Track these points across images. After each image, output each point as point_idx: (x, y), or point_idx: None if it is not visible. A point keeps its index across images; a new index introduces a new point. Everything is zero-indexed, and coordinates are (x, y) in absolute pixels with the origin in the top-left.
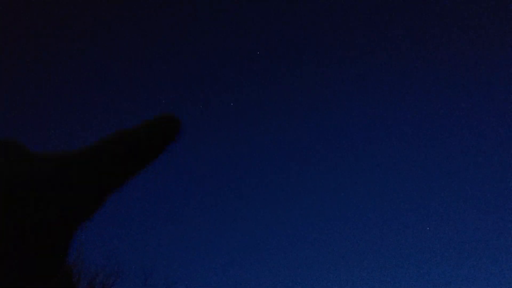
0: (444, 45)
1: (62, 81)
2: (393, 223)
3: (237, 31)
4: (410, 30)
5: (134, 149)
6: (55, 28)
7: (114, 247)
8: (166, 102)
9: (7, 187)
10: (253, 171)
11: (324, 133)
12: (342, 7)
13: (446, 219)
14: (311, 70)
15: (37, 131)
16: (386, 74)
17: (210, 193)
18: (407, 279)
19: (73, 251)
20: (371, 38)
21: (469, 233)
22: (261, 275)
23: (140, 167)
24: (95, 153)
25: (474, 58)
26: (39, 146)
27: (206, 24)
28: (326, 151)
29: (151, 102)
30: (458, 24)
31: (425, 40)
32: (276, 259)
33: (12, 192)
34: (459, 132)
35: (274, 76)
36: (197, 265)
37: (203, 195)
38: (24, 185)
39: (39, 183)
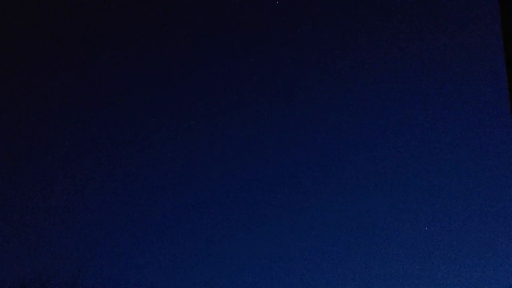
0: (445, 44)
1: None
2: (393, 224)
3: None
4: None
5: None
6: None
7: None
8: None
9: None
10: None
11: (324, 133)
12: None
13: (446, 219)
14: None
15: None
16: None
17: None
18: (407, 279)
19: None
20: (371, 38)
21: (468, 233)
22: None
23: None
24: None
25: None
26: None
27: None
28: (324, 151)
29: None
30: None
31: (425, 39)
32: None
33: None
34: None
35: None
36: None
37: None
38: None
39: None
